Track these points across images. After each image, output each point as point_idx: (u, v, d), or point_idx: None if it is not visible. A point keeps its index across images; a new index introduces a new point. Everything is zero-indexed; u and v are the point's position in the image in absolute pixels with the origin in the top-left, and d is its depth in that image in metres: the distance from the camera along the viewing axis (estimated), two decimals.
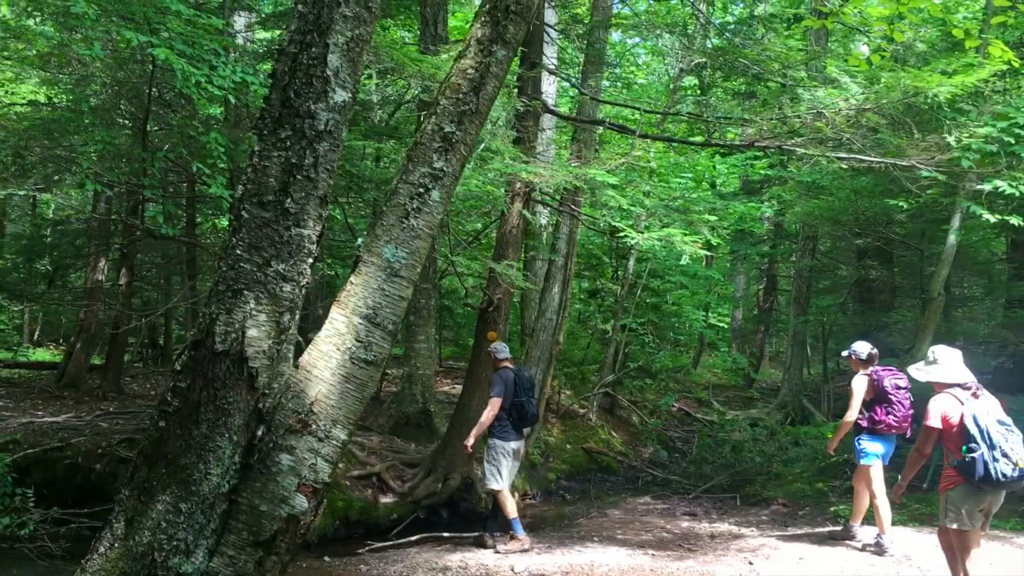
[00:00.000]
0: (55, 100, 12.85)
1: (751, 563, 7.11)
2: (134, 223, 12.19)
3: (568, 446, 13.53)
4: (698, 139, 14.24)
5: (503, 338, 10.42)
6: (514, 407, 8.09)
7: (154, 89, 9.29)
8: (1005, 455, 4.96)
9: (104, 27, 7.84)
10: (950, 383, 5.33)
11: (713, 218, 10.11)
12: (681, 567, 7.02)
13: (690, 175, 18.35)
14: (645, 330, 16.78)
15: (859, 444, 7.44)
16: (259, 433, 4.37)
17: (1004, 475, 4.94)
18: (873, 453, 7.35)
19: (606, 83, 18.24)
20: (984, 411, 5.12)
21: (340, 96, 4.44)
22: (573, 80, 13.02)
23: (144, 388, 14.40)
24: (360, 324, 4.51)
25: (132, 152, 10.28)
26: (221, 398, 4.26)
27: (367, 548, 8.33)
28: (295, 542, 4.45)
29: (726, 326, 24.55)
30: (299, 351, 4.71)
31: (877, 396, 7.36)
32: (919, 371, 5.58)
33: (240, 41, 13.47)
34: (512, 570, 7.03)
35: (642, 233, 9.67)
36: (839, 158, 8.83)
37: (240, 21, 14.27)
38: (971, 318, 14.68)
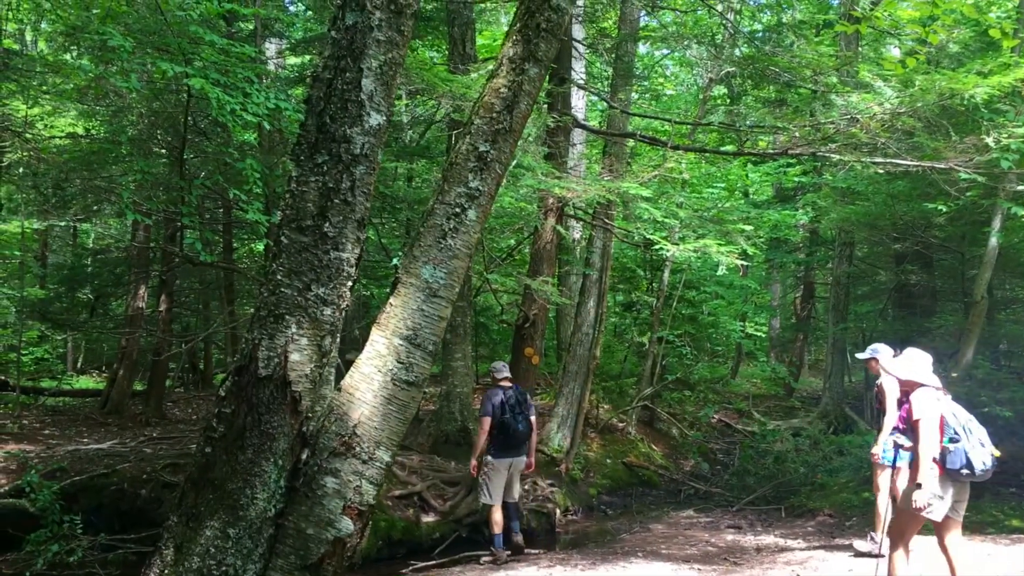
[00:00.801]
0: (93, 132, 13.09)
1: (798, 575, 7.02)
2: (173, 250, 12.35)
3: (608, 461, 13.45)
4: (730, 148, 14.18)
5: (540, 353, 10.42)
6: (500, 425, 8.28)
7: (190, 118, 9.42)
8: (983, 444, 5.35)
9: (140, 59, 7.99)
10: (926, 383, 5.64)
11: (748, 227, 10.03)
12: None
13: (723, 185, 18.24)
14: (682, 342, 16.67)
15: (885, 446, 7.39)
16: (304, 457, 4.40)
17: (984, 463, 5.30)
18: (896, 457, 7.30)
19: (635, 95, 18.23)
20: (957, 409, 5.54)
21: (375, 119, 4.49)
22: (602, 94, 13.03)
23: (186, 413, 14.55)
24: (401, 345, 4.52)
25: (169, 181, 10.43)
26: (265, 423, 4.29)
27: (410, 568, 8.33)
28: (342, 564, 4.47)
29: (764, 335, 24.30)
30: (339, 373, 4.73)
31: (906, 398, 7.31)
32: (896, 364, 5.90)
33: (272, 67, 13.66)
34: None
35: (677, 245, 9.63)
36: (874, 163, 8.74)
37: (271, 48, 14.48)
38: (1015, 320, 14.41)
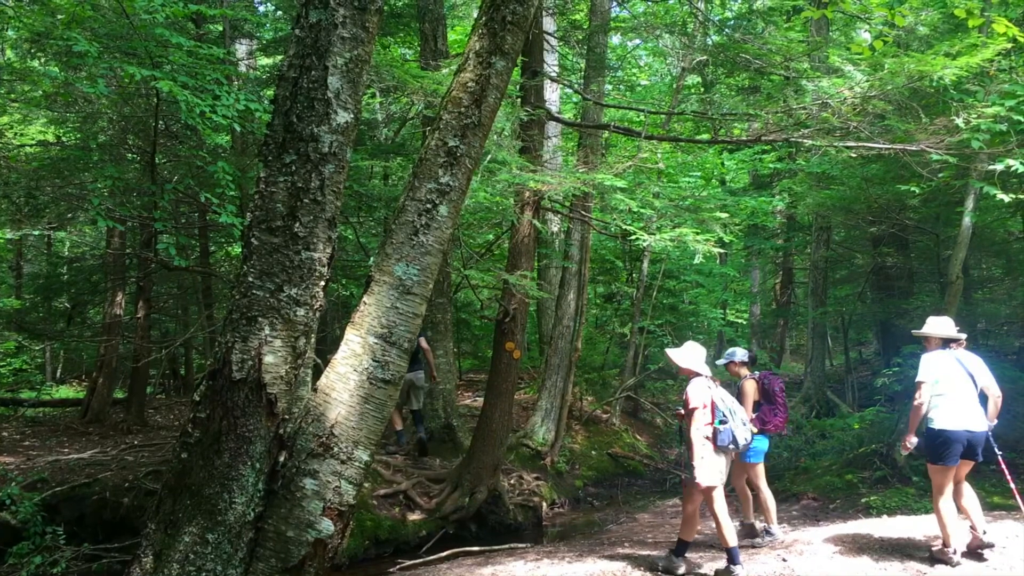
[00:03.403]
0: (64, 139, 12.96)
1: (785, 560, 7.04)
2: (148, 256, 12.24)
3: (593, 452, 13.48)
4: (704, 137, 14.20)
5: (521, 348, 10.41)
6: None
7: (160, 122, 9.33)
8: (744, 424, 6.63)
9: (107, 63, 7.90)
10: (701, 372, 6.69)
11: (724, 215, 10.04)
12: (715, 567, 6.96)
13: (698, 173, 18.26)
14: (663, 331, 16.71)
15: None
16: (281, 459, 4.37)
17: (745, 438, 6.59)
18: (761, 451, 7.90)
19: (609, 87, 18.23)
20: (724, 395, 6.71)
21: (342, 117, 4.46)
22: (576, 86, 13.03)
23: (168, 419, 14.44)
24: (376, 344, 4.50)
25: (142, 186, 10.34)
26: (241, 426, 4.26)
27: (398, 566, 8.31)
28: (324, 565, 4.44)
29: (745, 322, 24.42)
30: (317, 374, 4.70)
31: (766, 398, 8.02)
32: (677, 355, 6.83)
33: (243, 69, 13.56)
34: None
35: (654, 235, 9.63)
36: (847, 147, 8.77)
37: (241, 49, 14.36)
38: (992, 299, 14.55)
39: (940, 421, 6.38)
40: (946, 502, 6.43)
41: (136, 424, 13.07)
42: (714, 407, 6.58)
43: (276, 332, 4.32)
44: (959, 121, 7.92)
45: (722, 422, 6.54)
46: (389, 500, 9.84)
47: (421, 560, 8.56)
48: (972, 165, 9.78)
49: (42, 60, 11.41)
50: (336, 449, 4.36)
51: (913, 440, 6.55)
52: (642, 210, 9.78)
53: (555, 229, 15.77)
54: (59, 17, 8.34)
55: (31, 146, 12.98)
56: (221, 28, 12.66)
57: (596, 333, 18.10)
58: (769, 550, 7.49)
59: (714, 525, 6.70)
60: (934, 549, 6.66)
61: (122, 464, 10.22)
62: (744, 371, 8.10)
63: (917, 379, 6.51)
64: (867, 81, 8.19)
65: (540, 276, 14.80)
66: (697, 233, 9.28)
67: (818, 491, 10.40)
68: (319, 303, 4.52)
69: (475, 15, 18.67)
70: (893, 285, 15.59)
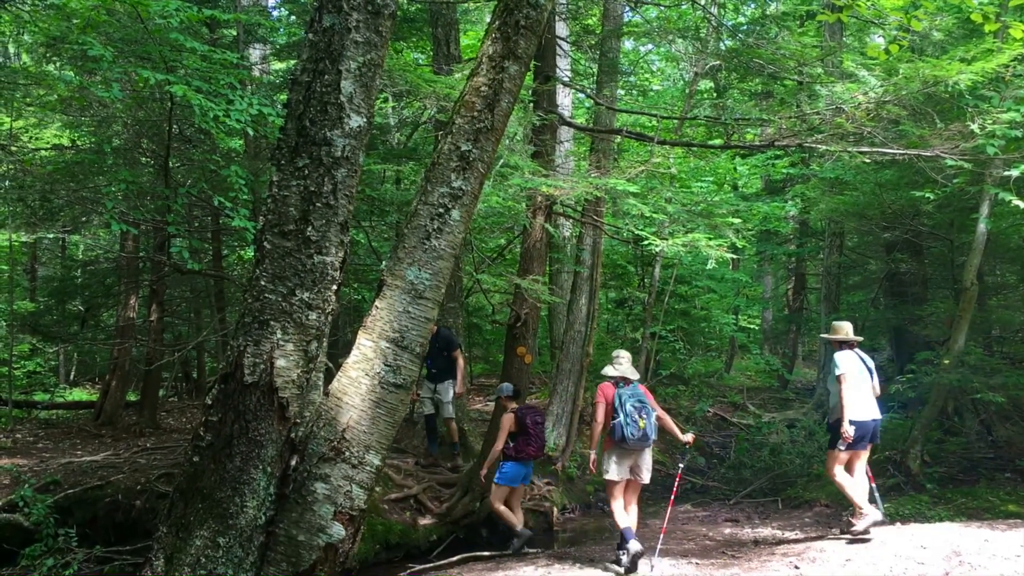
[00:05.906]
0: (78, 143, 13.03)
1: (797, 567, 7.00)
2: (161, 259, 12.28)
3: None
4: (717, 142, 14.15)
5: (532, 352, 10.40)
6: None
7: (174, 126, 9.37)
8: (634, 422, 7.15)
9: (121, 68, 7.94)
10: (614, 377, 7.46)
11: (737, 220, 10.01)
12: (726, 575, 6.92)
13: (711, 178, 18.22)
14: (675, 337, 16.66)
15: (502, 468, 8.80)
16: (293, 463, 4.37)
17: (633, 435, 7.12)
18: (514, 476, 8.82)
19: (621, 92, 18.22)
20: (628, 394, 7.29)
21: (355, 121, 4.46)
22: (588, 91, 13.03)
23: (180, 422, 14.48)
24: (387, 348, 4.50)
25: (156, 189, 10.38)
26: (253, 430, 4.27)
27: (408, 571, 8.29)
28: (335, 570, 4.44)
29: (757, 328, 24.34)
30: (329, 378, 4.70)
31: (520, 429, 8.76)
32: (610, 369, 7.53)
33: (256, 73, 13.61)
34: None
35: (666, 240, 9.61)
36: (861, 152, 8.72)
37: (255, 53, 14.42)
38: (1006, 306, 14.43)
39: (852, 412, 7.42)
40: (843, 474, 7.63)
41: (148, 427, 13.10)
42: (611, 406, 7.28)
43: (288, 336, 4.32)
44: (974, 126, 7.88)
45: (614, 419, 7.21)
46: (400, 505, 9.83)
47: (432, 565, 8.54)
48: (987, 171, 9.72)
49: (57, 64, 11.50)
50: (348, 453, 4.35)
51: (852, 429, 7.41)
52: (654, 215, 9.76)
53: (567, 234, 15.75)
54: (74, 21, 8.38)
55: (46, 150, 13.05)
56: (235, 33, 12.72)
57: (608, 338, 18.06)
58: (782, 557, 7.45)
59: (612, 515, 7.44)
60: (853, 528, 7.58)
61: (134, 467, 10.23)
62: (512, 404, 8.93)
63: (838, 372, 7.51)
64: (881, 86, 8.15)
65: (552, 281, 14.78)
66: (709, 238, 9.26)
67: (831, 498, 10.33)
68: (331, 307, 4.52)
69: (488, 20, 18.68)
70: (907, 291, 15.50)
